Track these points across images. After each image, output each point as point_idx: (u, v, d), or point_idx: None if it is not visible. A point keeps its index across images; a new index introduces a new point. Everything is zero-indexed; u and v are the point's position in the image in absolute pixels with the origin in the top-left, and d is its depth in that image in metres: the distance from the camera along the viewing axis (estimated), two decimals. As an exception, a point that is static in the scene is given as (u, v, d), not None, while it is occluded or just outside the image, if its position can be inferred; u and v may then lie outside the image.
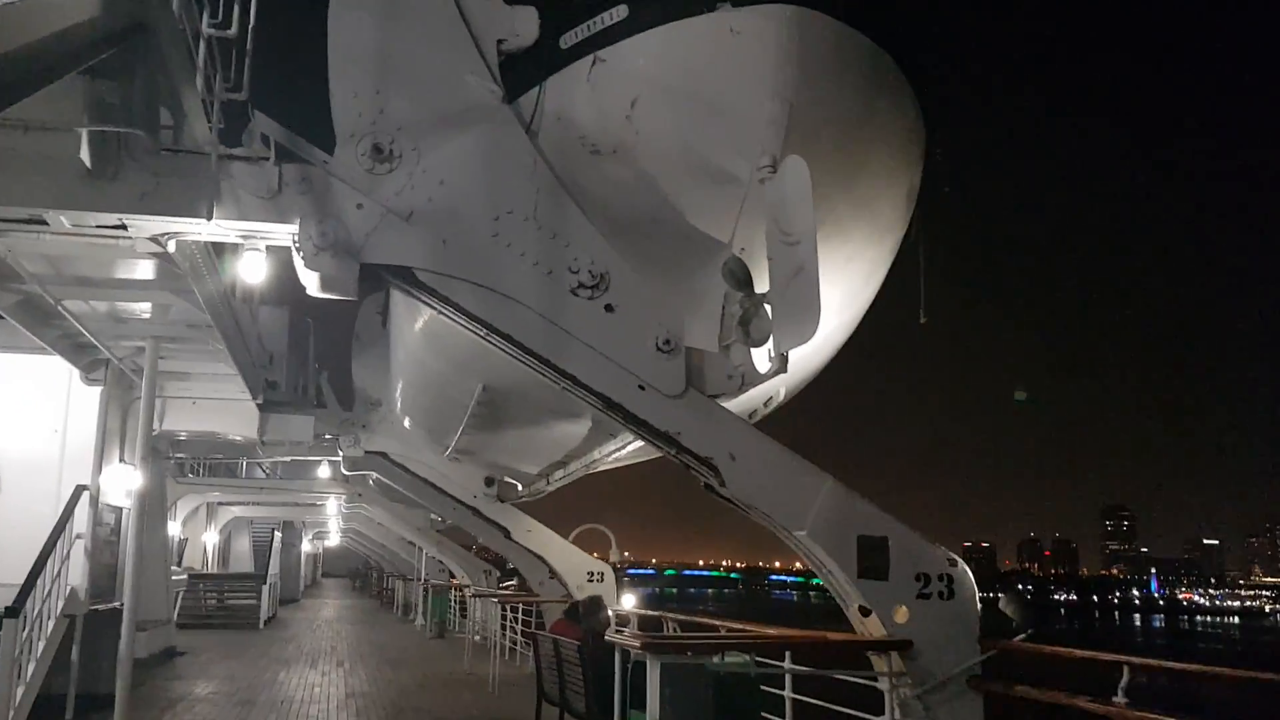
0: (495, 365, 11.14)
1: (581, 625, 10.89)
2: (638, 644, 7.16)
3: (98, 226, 7.54)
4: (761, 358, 8.10)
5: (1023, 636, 8.17)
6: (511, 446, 14.64)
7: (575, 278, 7.84)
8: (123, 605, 13.88)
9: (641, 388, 7.89)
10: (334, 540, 61.05)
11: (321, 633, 30.58)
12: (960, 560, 8.14)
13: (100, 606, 13.50)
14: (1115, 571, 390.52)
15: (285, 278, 16.29)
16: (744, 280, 8.10)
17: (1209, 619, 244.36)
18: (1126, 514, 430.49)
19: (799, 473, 8.02)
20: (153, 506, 17.16)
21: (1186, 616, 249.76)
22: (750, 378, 8.08)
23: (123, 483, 14.35)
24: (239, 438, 18.43)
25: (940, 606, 7.89)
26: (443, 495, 19.92)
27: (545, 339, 7.83)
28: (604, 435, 12.62)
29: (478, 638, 31.06)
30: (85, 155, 6.95)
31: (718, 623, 11.41)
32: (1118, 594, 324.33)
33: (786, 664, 8.50)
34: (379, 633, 32.00)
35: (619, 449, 12.87)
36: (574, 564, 19.42)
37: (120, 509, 14.53)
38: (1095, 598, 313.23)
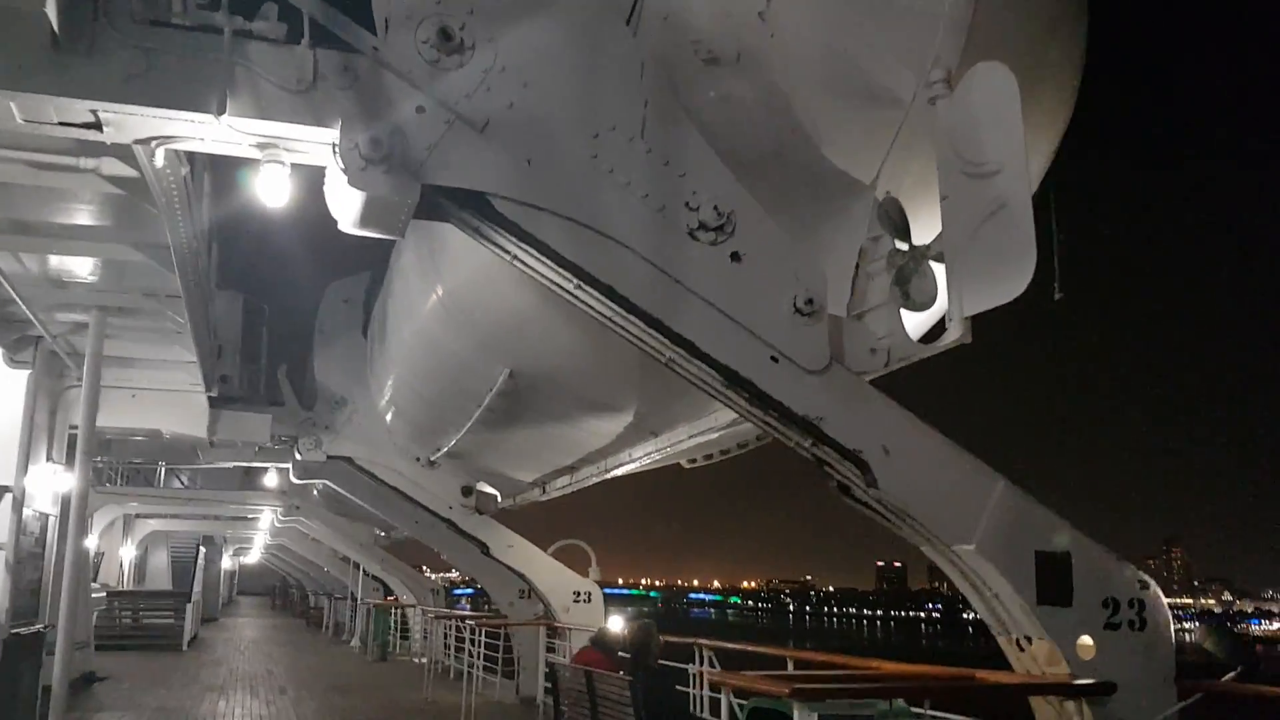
0: (528, 347, 9.29)
1: (630, 657, 9.02)
2: (785, 690, 5.31)
3: (61, 124, 5.54)
4: (917, 326, 6.43)
5: (1231, 675, 6.51)
6: (519, 447, 12.67)
7: (694, 216, 6.04)
8: (48, 628, 11.78)
9: (775, 359, 6.12)
10: (255, 556, 57.92)
11: (251, 655, 28.24)
12: (1152, 582, 6.49)
13: (22, 630, 11.28)
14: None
15: (236, 255, 14.15)
16: (902, 228, 6.41)
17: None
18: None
19: (967, 472, 6.31)
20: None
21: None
22: (899, 352, 6.36)
23: (51, 486, 12.15)
24: (173, 436, 16.21)
25: (1131, 639, 6.22)
26: (413, 506, 17.82)
27: (655, 293, 6.01)
28: (642, 434, 10.76)
29: (421, 660, 29.04)
30: (51, 12, 4.97)
31: (784, 653, 9.63)
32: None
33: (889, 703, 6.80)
34: (315, 655, 29.72)
35: (654, 452, 11.02)
36: (559, 583, 17.47)
37: (46, 516, 12.31)
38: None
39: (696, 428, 9.70)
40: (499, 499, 17.57)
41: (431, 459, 14.68)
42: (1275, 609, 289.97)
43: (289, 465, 19.82)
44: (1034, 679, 6.25)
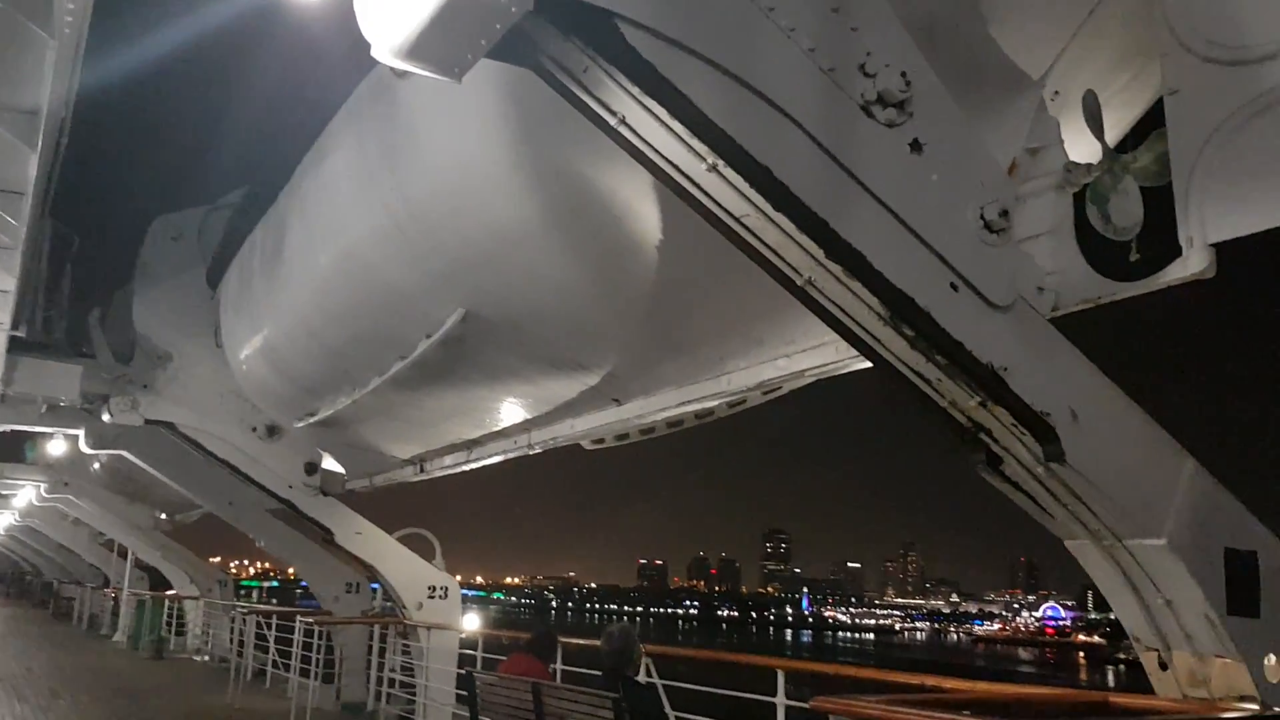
0: (498, 281, 7.38)
1: (608, 669, 7.31)
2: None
3: None
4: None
5: None
6: (426, 414, 10.43)
7: (870, 85, 4.45)
8: None
9: (955, 287, 4.63)
10: (-2, 537, 51.70)
11: (-1, 650, 24.55)
12: None
13: None
14: (771, 589, 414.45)
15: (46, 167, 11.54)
16: (1100, 131, 5.06)
17: (849, 635, 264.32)
18: (784, 536, 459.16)
19: (1157, 448, 5.04)
20: None
21: (831, 632, 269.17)
22: (1075, 292, 5.02)
23: None
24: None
25: None
26: (242, 483, 15.26)
27: (822, 185, 4.38)
28: (600, 401, 8.88)
29: (201, 658, 26.06)
30: None
31: (772, 663, 8.11)
32: (773, 611, 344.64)
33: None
34: (76, 652, 26.12)
35: (612, 423, 9.14)
36: (413, 575, 15.34)
37: None
38: (754, 613, 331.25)
39: (689, 394, 8.02)
40: (345, 479, 15.34)
41: (295, 424, 12.28)
42: (995, 610, 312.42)
43: (79, 432, 16.84)
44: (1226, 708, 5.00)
